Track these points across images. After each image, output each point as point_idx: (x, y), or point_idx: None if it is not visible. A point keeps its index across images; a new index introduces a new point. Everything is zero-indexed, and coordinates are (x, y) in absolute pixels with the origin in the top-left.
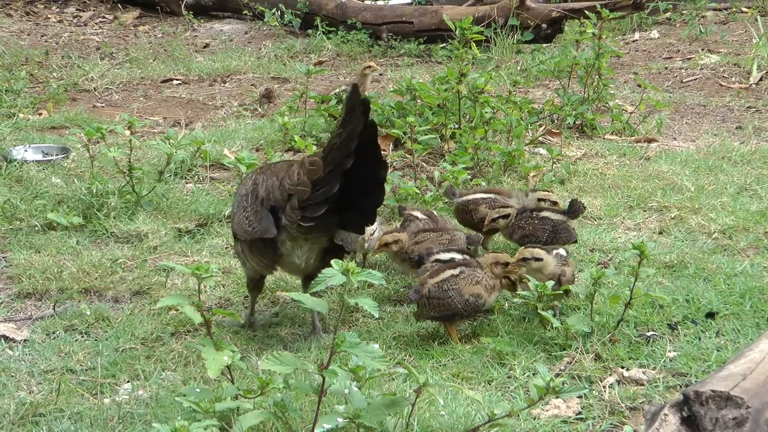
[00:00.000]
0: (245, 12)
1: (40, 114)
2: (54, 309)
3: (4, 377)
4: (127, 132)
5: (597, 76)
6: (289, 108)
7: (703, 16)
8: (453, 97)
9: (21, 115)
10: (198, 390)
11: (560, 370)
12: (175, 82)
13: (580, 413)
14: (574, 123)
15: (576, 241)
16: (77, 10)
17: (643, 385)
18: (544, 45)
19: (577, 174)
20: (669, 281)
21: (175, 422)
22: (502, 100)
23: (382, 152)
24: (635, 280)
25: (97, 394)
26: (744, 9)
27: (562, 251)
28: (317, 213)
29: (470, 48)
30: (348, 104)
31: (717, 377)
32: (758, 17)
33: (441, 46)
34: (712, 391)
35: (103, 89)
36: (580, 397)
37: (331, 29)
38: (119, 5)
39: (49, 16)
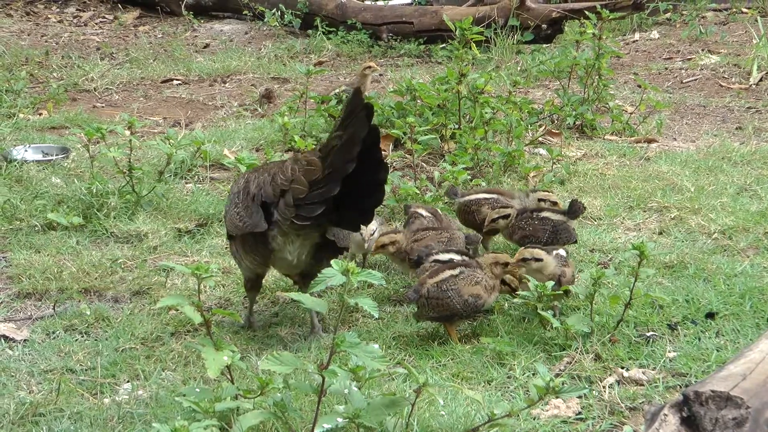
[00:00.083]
0: (245, 12)
1: (40, 114)
2: (54, 309)
3: (4, 377)
4: (127, 132)
5: (597, 77)
6: (289, 108)
7: (703, 17)
8: (453, 97)
9: (21, 115)
10: (198, 390)
11: (560, 370)
12: (175, 82)
13: (579, 413)
14: (574, 123)
15: (576, 242)
16: (77, 10)
17: (642, 385)
18: (544, 45)
19: (577, 174)
20: (669, 281)
21: (175, 422)
22: (502, 100)
23: (383, 153)
24: (635, 281)
25: (97, 394)
26: (744, 10)
27: (561, 252)
28: (313, 213)
29: (470, 48)
30: (349, 107)
31: (717, 377)
32: (758, 18)
33: (441, 46)
34: (712, 391)
35: (103, 89)
36: (579, 397)
37: (331, 29)
38: (119, 5)
39: (49, 16)
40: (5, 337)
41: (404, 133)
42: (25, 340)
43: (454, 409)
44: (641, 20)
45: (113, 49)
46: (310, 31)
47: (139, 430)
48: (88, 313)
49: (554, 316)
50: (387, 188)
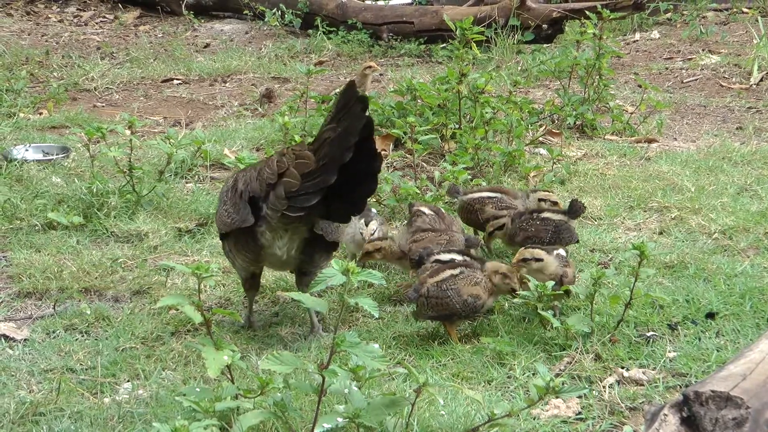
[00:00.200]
0: (246, 12)
1: (40, 113)
2: (54, 308)
3: (4, 376)
4: (128, 132)
5: (597, 77)
6: (289, 108)
7: (703, 17)
8: (453, 97)
9: (21, 115)
10: (198, 389)
11: (560, 370)
12: (175, 81)
13: (579, 413)
14: (575, 123)
15: (578, 241)
16: (78, 9)
17: (642, 385)
18: (545, 45)
19: (577, 174)
20: (669, 281)
21: (175, 422)
22: (503, 100)
23: (378, 148)
24: (635, 281)
25: (97, 394)
26: (745, 9)
27: (562, 252)
28: (308, 204)
29: (471, 48)
30: (343, 99)
31: (717, 377)
32: (759, 18)
33: (441, 46)
34: (712, 391)
35: (103, 89)
36: (579, 397)
37: (332, 29)
38: (120, 5)
39: (49, 15)
40: (5, 337)
41: (405, 133)
42: (25, 340)
43: (454, 409)
44: (642, 20)
45: (113, 48)
46: (310, 31)
47: (140, 429)
48: (89, 312)
49: (554, 316)
50: (387, 188)
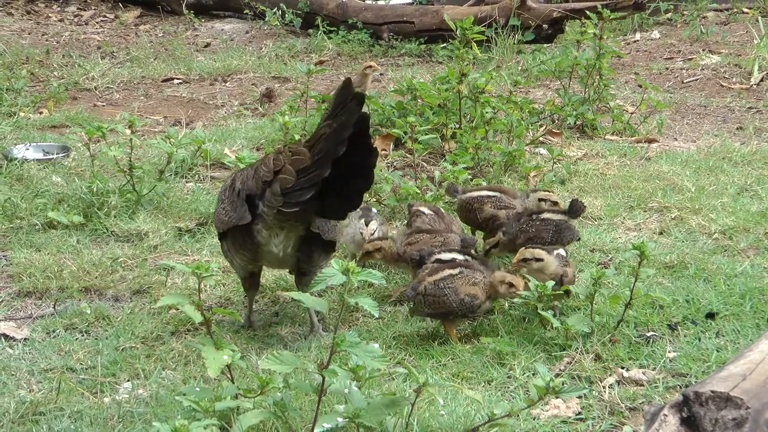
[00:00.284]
0: (246, 11)
1: (40, 113)
2: (54, 308)
3: (4, 376)
4: (128, 131)
5: (598, 77)
6: (289, 107)
7: (704, 17)
8: (454, 97)
9: (22, 114)
10: (198, 389)
11: (560, 370)
12: (175, 81)
13: (579, 413)
14: (575, 123)
15: (579, 239)
16: (78, 9)
17: (642, 385)
18: (545, 45)
19: (577, 174)
20: (669, 282)
21: (175, 421)
22: (503, 100)
23: (378, 146)
24: (635, 281)
25: (97, 393)
26: (745, 10)
27: (561, 251)
28: (302, 198)
29: (471, 48)
30: (339, 96)
31: (717, 378)
32: (759, 18)
33: (442, 46)
34: (712, 391)
35: (103, 88)
36: (579, 397)
37: (332, 29)
38: (120, 4)
39: (50, 15)
40: (5, 336)
41: (405, 133)
42: (25, 339)
43: (454, 409)
44: (642, 20)
45: (114, 48)
46: (311, 31)
47: (140, 429)
48: (89, 311)
49: (554, 316)
50: (388, 188)
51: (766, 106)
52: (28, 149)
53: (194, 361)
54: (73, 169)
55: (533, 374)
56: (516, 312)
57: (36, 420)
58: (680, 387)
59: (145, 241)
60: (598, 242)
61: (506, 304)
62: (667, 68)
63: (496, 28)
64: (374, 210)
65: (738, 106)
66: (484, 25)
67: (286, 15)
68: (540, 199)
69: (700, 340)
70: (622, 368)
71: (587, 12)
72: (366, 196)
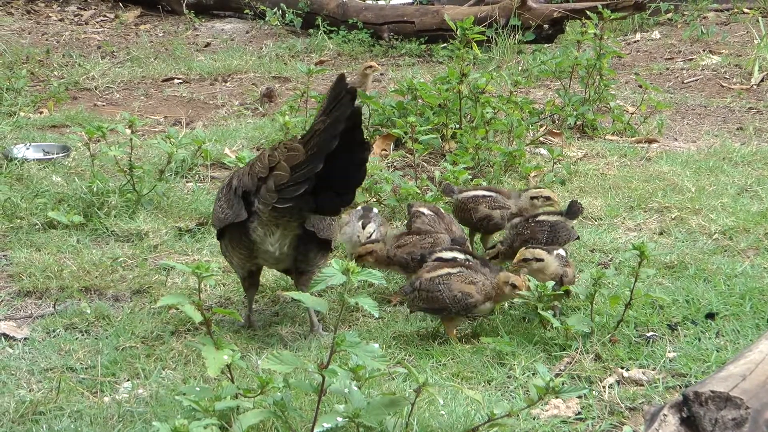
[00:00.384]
0: (246, 11)
1: (40, 112)
2: (54, 307)
3: (4, 375)
4: (128, 131)
5: (598, 77)
6: (290, 107)
7: (704, 17)
8: (454, 97)
9: (22, 114)
10: (198, 389)
11: (560, 370)
12: (176, 81)
13: (579, 413)
14: (575, 123)
15: (578, 238)
16: (78, 8)
17: (642, 385)
18: (546, 45)
19: (577, 174)
20: (669, 282)
21: (175, 421)
22: (503, 100)
23: (378, 146)
24: (635, 281)
25: (97, 393)
26: (745, 10)
27: (561, 252)
28: (296, 193)
29: (471, 48)
30: (333, 92)
31: (716, 378)
32: (760, 18)
33: (442, 46)
34: (712, 391)
35: (104, 88)
36: (579, 397)
37: (333, 29)
38: (120, 4)
39: (50, 14)
40: (6, 336)
41: (405, 133)
42: (25, 339)
43: (454, 409)
44: (642, 20)
45: (114, 47)
46: (311, 31)
47: (139, 428)
48: (89, 311)
49: (554, 316)
50: (388, 188)
51: (766, 107)
52: (28, 149)
53: (194, 361)
54: (73, 168)
55: (533, 374)
56: (516, 312)
57: (36, 419)
58: (680, 387)
59: (145, 241)
60: (598, 242)
61: (506, 304)
62: (667, 68)
63: (496, 28)
64: (375, 210)
65: (738, 106)
66: (485, 25)
67: (287, 15)
68: (532, 197)
69: (699, 340)
70: (622, 368)
71: (588, 12)
72: (366, 196)
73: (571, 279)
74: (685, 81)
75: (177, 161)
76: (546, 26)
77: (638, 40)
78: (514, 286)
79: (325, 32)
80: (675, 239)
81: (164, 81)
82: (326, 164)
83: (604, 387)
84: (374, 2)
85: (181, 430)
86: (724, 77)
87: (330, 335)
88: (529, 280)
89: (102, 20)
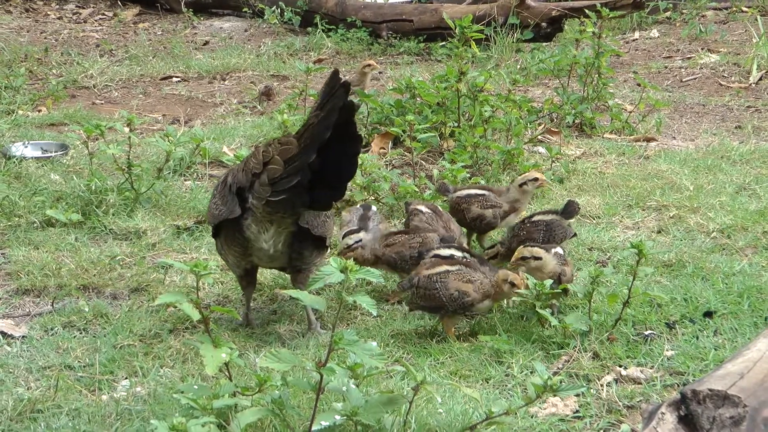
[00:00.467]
0: (245, 9)
1: (39, 111)
2: (52, 305)
3: (2, 373)
4: (126, 129)
5: (596, 75)
6: (288, 106)
7: (703, 16)
8: (452, 95)
9: (20, 112)
10: (196, 387)
11: (558, 368)
12: (174, 79)
13: (577, 411)
14: (574, 122)
15: (575, 235)
16: (77, 6)
17: (640, 383)
18: (544, 44)
19: (576, 173)
20: (667, 280)
21: (173, 419)
22: (502, 98)
23: (377, 144)
24: (633, 279)
25: (95, 391)
26: (744, 8)
27: (560, 250)
28: (288, 185)
29: (470, 46)
30: (327, 87)
31: (714, 376)
32: (758, 17)
33: (441, 44)
34: (710, 390)
35: (102, 86)
36: (577, 395)
37: (331, 27)
38: (119, 2)
39: (48, 12)
40: (3, 334)
41: (403, 131)
42: (23, 337)
43: (452, 407)
44: (641, 19)
45: (113, 46)
46: (309, 29)
47: (137, 426)
48: (87, 309)
49: (552, 314)
50: (386, 186)
51: (764, 105)
52: (26, 147)
53: (192, 359)
54: (71, 167)
55: (531, 372)
56: (514, 310)
57: (34, 417)
58: (678, 385)
59: (143, 239)
60: (597, 241)
61: (505, 303)
62: (665, 67)
63: (495, 27)
64: (374, 208)
65: (737, 104)
66: (483, 24)
67: (285, 13)
68: (520, 185)
69: (698, 338)
70: (620, 366)
71: (586, 11)
72: (365, 194)
73: (569, 277)
74: (684, 79)
75: (175, 159)
76: (544, 25)
77: (637, 39)
78: (513, 285)
79: (323, 30)
80: (673, 238)
81: (163, 79)
82: (320, 157)
83: (602, 385)
84: (373, 1)
85: (179, 428)
86: (723, 76)
87: (328, 333)
88: (527, 279)
89: (100, 18)
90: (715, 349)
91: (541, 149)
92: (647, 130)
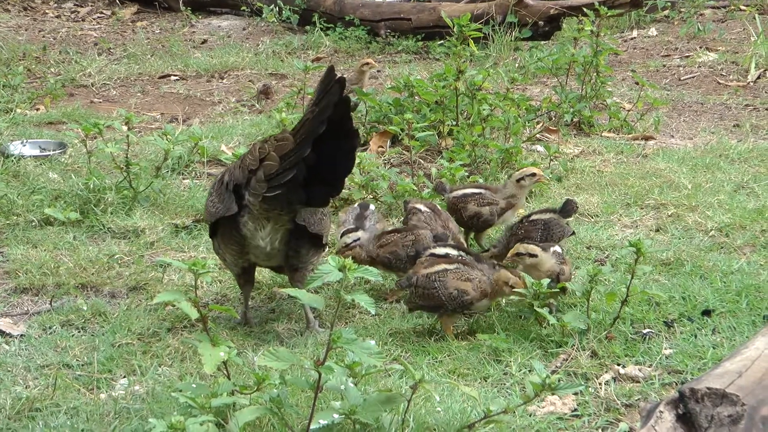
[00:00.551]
0: (243, 8)
1: (37, 109)
2: (51, 304)
3: (0, 372)
4: (125, 127)
5: (595, 74)
6: (286, 104)
7: (701, 14)
8: (451, 94)
9: (18, 111)
10: (194, 385)
11: (556, 367)
12: (172, 77)
13: (575, 410)
14: (572, 120)
15: (573, 233)
16: (75, 5)
17: (639, 382)
18: (543, 42)
19: (574, 171)
20: (665, 279)
21: (171, 417)
22: (500, 97)
23: (375, 143)
24: (632, 278)
25: (93, 389)
26: (742, 7)
27: (558, 249)
28: (284, 179)
29: (468, 45)
30: (323, 84)
31: (713, 375)
32: (756, 15)
33: (439, 43)
34: (708, 388)
35: (100, 85)
36: (576, 394)
37: (329, 26)
38: (117, 1)
39: (46, 11)
40: (2, 332)
41: (402, 130)
42: (21, 335)
43: (450, 406)
44: (639, 17)
45: (111, 44)
46: (308, 27)
47: (136, 425)
48: (85, 308)
49: (551, 313)
50: (384, 185)
51: (762, 104)
52: (24, 146)
53: (190, 358)
54: (69, 165)
55: (529, 371)
56: (512, 309)
57: (32, 416)
58: (676, 384)
59: (141, 238)
60: (595, 239)
61: (503, 301)
62: (664, 65)
63: (493, 25)
64: (371, 207)
65: (735, 103)
66: (481, 22)
67: (283, 12)
68: (518, 180)
69: (696, 337)
70: (619, 365)
71: (584, 9)
72: (363, 193)
73: (567, 276)
74: (682, 78)
75: (173, 158)
76: (543, 23)
77: (635, 37)
78: (512, 287)
79: (321, 29)
80: (671, 236)
81: (161, 78)
82: (315, 153)
83: (600, 384)
84: None
85: (178, 426)
86: (721, 74)
87: (326, 332)
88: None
89: (99, 17)
90: (714, 348)
91: (540, 148)
92: (645, 128)
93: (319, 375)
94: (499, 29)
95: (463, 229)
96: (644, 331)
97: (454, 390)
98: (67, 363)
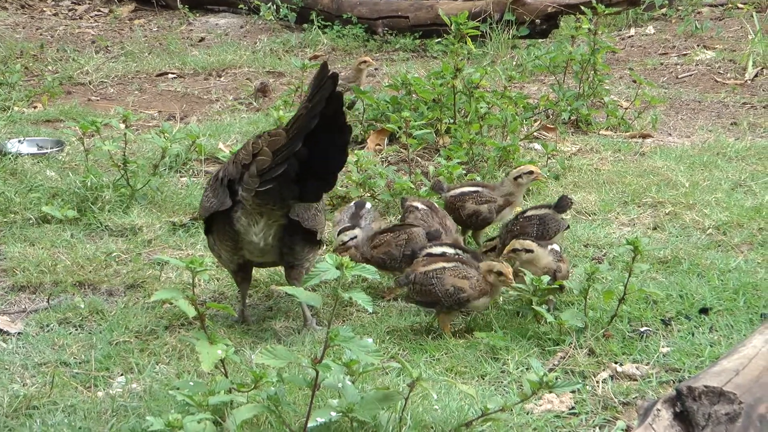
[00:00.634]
0: (241, 6)
1: (34, 107)
2: (48, 302)
3: None
4: (122, 125)
5: (592, 72)
6: (284, 102)
7: (698, 12)
8: (448, 92)
9: (16, 108)
10: (192, 383)
11: (554, 365)
12: (170, 75)
13: (573, 408)
14: (569, 118)
15: (568, 227)
16: (72, 3)
17: (636, 380)
18: (540, 40)
19: (571, 169)
20: (663, 277)
21: (169, 415)
22: (498, 95)
23: (373, 141)
24: (629, 276)
25: (90, 387)
26: (740, 5)
27: (555, 246)
28: (275, 174)
29: (465, 43)
30: (316, 80)
31: (710, 373)
32: (754, 13)
33: (436, 41)
34: (705, 386)
35: (98, 83)
36: (573, 392)
37: (327, 24)
38: None
39: (44, 9)
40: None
41: (399, 128)
42: (19, 333)
43: (448, 404)
44: (637, 15)
45: (108, 42)
46: (305, 25)
47: (133, 423)
48: (83, 306)
49: (548, 311)
50: (382, 183)
51: (760, 102)
52: (22, 143)
53: (188, 356)
54: (67, 163)
55: (527, 369)
56: (510, 307)
57: (30, 414)
58: (673, 382)
59: (139, 236)
60: (592, 237)
61: (500, 299)
62: (661, 63)
63: (490, 23)
64: (368, 205)
65: (732, 101)
66: (479, 20)
67: (281, 10)
68: (515, 178)
69: (693, 335)
70: (616, 363)
71: (582, 7)
72: (360, 190)
73: (564, 274)
74: (680, 76)
75: (171, 156)
76: (540, 21)
77: (632, 35)
78: (499, 274)
79: (319, 27)
80: (669, 234)
81: (158, 76)
82: (308, 147)
83: (597, 382)
84: None
85: (175, 424)
86: (719, 72)
87: (324, 330)
88: (525, 274)
89: (96, 15)
90: (711, 346)
91: (537, 146)
92: (643, 126)
93: (317, 373)
94: (497, 27)
95: (460, 227)
96: (641, 329)
97: (452, 388)
98: (64, 361)
